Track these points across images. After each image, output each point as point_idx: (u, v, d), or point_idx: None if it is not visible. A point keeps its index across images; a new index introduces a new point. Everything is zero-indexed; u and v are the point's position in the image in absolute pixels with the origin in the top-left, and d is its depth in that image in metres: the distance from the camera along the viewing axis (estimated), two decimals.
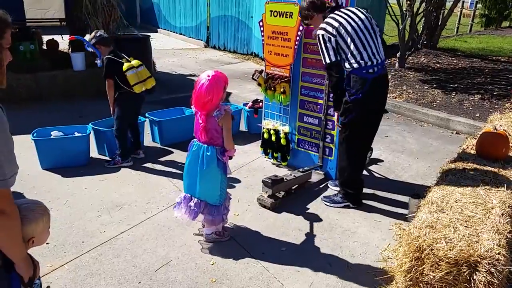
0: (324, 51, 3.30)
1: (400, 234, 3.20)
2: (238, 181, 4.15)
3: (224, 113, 2.78)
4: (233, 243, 3.12)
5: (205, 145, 2.86)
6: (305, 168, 4.05)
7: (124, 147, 4.37)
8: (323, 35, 3.29)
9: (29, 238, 1.54)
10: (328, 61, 3.31)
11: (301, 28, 3.93)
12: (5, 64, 1.40)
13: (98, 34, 4.23)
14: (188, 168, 2.99)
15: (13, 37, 1.40)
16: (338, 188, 3.82)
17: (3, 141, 1.29)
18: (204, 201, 2.98)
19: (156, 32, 15.74)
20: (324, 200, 3.75)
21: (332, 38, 3.25)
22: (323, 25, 3.30)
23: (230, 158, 3.01)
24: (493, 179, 3.11)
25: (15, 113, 5.48)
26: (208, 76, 2.72)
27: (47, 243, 2.90)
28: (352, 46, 3.24)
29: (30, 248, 1.57)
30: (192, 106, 2.87)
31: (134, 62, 4.21)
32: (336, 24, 3.25)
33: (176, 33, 14.93)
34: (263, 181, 3.68)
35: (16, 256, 1.44)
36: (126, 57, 4.24)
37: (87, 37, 4.34)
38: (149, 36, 7.53)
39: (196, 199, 2.97)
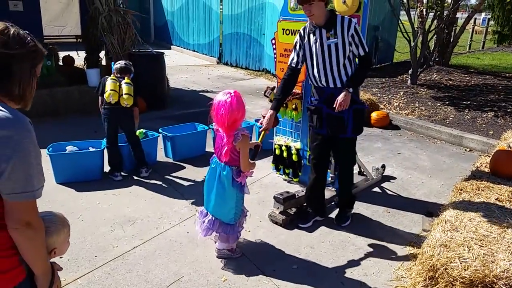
0: (363, 40, 3.22)
1: (413, 253, 3.18)
2: (249, 196, 4.15)
3: (241, 137, 2.76)
4: (245, 259, 3.11)
5: (223, 164, 2.89)
6: None
7: (109, 161, 4.48)
8: (356, 24, 3.20)
9: (51, 249, 1.59)
10: (367, 50, 3.24)
11: None
12: (34, 91, 1.48)
13: (116, 63, 4.45)
14: (207, 184, 3.05)
15: None
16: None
17: (34, 154, 1.35)
18: (219, 219, 2.99)
19: (170, 49, 15.98)
20: (338, 223, 3.69)
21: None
22: (351, 19, 3.19)
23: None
24: (508, 198, 3.08)
25: None
26: (230, 93, 2.71)
27: (60, 257, 2.93)
28: None
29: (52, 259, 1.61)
30: (214, 126, 2.88)
31: (125, 79, 4.30)
32: None
33: (189, 50, 15.15)
34: (274, 197, 3.68)
35: (39, 269, 1.48)
36: (122, 78, 4.34)
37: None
38: (163, 53, 7.67)
39: (210, 216, 3.01)
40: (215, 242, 3.15)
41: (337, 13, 3.25)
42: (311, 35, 3.25)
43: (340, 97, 3.16)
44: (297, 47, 3.38)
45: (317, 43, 3.22)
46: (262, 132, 3.24)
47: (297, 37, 3.38)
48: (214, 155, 3.01)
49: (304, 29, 3.33)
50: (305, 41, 3.31)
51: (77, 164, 4.28)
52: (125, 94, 4.21)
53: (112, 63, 4.56)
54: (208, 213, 3.03)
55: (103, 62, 7.95)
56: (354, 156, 3.72)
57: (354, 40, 3.15)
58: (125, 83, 4.29)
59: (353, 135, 3.41)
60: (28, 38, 1.42)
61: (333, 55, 3.20)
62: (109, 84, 4.21)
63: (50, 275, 1.53)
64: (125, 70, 4.39)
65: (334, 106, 3.18)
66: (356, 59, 3.29)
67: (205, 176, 3.14)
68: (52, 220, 1.61)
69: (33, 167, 1.36)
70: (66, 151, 4.40)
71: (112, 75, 4.35)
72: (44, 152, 4.21)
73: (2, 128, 1.29)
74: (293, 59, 3.42)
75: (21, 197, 1.33)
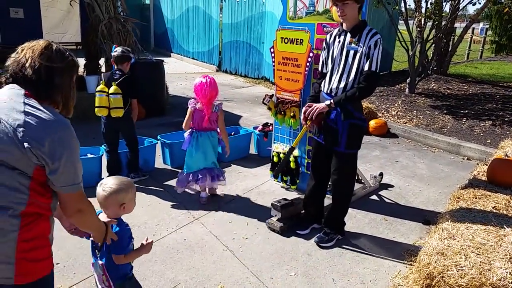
0: (377, 57, 3.08)
1: (410, 261, 3.17)
2: (247, 203, 4.16)
3: (221, 107, 4.03)
4: (242, 267, 3.11)
5: (208, 132, 4.01)
6: None
7: (108, 167, 4.50)
8: (381, 43, 3.09)
9: (121, 203, 2.02)
10: (374, 69, 3.08)
11: (311, 54, 4.00)
12: (75, 100, 1.69)
13: (113, 51, 4.36)
14: (202, 151, 4.01)
15: None
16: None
17: (78, 150, 1.55)
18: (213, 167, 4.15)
19: (169, 56, 16.06)
20: (317, 241, 3.46)
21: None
22: (378, 34, 3.11)
23: None
24: (505, 206, 3.08)
25: None
26: (208, 76, 3.94)
27: (57, 263, 2.93)
28: None
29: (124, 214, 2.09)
30: (193, 101, 3.99)
31: (112, 88, 4.14)
32: None
33: (189, 57, 15.23)
34: (272, 205, 3.68)
35: (91, 230, 1.83)
36: (107, 80, 4.23)
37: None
38: (163, 60, 7.70)
39: (213, 168, 4.10)
40: (203, 191, 4.11)
41: (368, 26, 3.18)
42: (337, 38, 3.27)
43: (320, 105, 3.19)
44: (323, 51, 3.42)
45: (339, 46, 3.22)
46: (301, 131, 3.51)
47: (324, 43, 3.42)
48: (194, 131, 4.01)
49: (331, 34, 3.35)
50: (330, 41, 3.32)
51: None
52: (112, 108, 4.16)
53: (114, 46, 4.49)
54: (212, 168, 4.10)
55: (103, 69, 7.97)
56: (350, 176, 3.45)
57: (369, 52, 3.06)
58: (113, 93, 4.12)
59: (347, 151, 3.26)
60: (67, 53, 1.61)
61: (348, 62, 3.15)
62: (96, 99, 4.16)
63: (104, 231, 1.86)
64: (122, 58, 4.28)
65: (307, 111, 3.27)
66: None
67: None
68: (124, 181, 2.06)
69: (78, 161, 1.56)
70: None
71: (101, 82, 4.19)
72: None
73: (55, 131, 1.47)
74: (319, 64, 3.51)
75: (72, 189, 1.54)
